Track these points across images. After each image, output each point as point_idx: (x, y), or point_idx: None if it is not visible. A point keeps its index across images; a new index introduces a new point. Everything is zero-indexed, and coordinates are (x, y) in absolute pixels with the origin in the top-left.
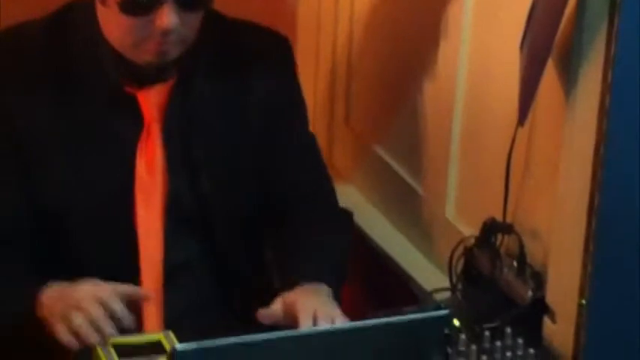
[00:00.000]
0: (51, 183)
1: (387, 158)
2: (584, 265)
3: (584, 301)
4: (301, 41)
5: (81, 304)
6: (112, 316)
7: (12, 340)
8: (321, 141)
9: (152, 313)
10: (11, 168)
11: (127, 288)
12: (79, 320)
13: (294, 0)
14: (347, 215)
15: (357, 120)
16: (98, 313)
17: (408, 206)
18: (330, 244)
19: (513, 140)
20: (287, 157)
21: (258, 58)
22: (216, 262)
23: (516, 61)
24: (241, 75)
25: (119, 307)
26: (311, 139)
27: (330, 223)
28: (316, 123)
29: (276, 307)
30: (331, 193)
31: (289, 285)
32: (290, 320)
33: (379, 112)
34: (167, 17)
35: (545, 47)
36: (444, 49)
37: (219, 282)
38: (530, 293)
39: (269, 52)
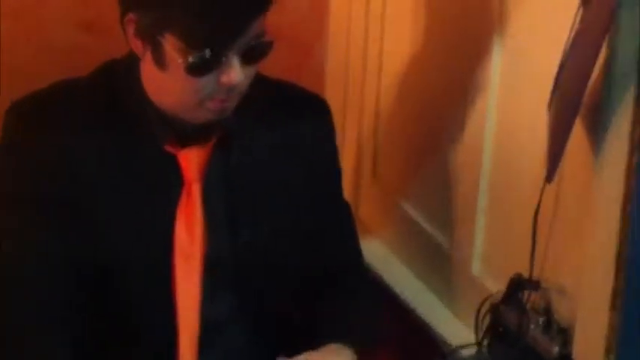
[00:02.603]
0: (92, 240)
1: (414, 214)
2: (611, 322)
3: (611, 358)
4: (329, 95)
5: None
6: None
7: None
8: (348, 195)
9: None
10: (53, 228)
11: None
12: None
13: (323, 55)
14: (374, 284)
15: (385, 175)
16: None
17: (435, 262)
18: (359, 309)
19: (541, 197)
20: (324, 221)
21: (299, 120)
22: (251, 322)
23: (544, 117)
24: (282, 135)
25: None
26: (346, 205)
27: (361, 290)
28: (343, 177)
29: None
30: (362, 261)
31: (315, 344)
32: None
33: (406, 168)
34: (234, 72)
35: (574, 105)
36: (472, 106)
37: (253, 342)
38: (556, 349)
39: (310, 115)
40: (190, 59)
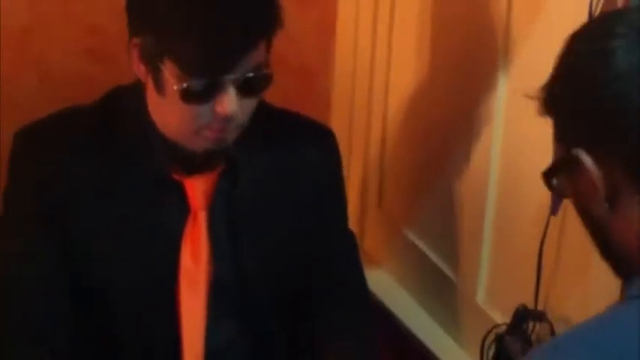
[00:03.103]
0: (94, 264)
1: (419, 243)
2: None
3: None
4: (335, 124)
5: None
6: None
7: None
8: (353, 225)
9: None
10: (51, 244)
11: None
12: None
13: (328, 83)
14: (374, 320)
15: (390, 204)
16: None
17: (439, 291)
18: (360, 344)
19: (546, 228)
20: (328, 249)
21: (305, 149)
22: (254, 348)
23: (549, 148)
24: (287, 165)
25: None
26: (351, 234)
27: (361, 321)
28: (349, 206)
29: None
30: (365, 289)
31: None
32: None
33: (412, 198)
34: (228, 104)
35: None
36: (477, 137)
37: None
38: None
39: (316, 144)
40: (185, 86)
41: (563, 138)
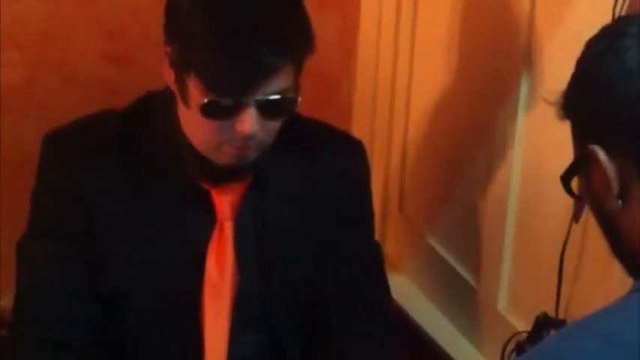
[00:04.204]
0: (117, 271)
1: (440, 249)
2: None
3: None
4: (356, 131)
5: None
6: None
7: None
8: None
9: None
10: (75, 249)
11: None
12: None
13: (350, 91)
14: (395, 333)
15: (411, 210)
16: None
17: (460, 298)
18: (379, 351)
19: (567, 235)
20: (352, 263)
21: (335, 162)
22: (275, 357)
23: (571, 153)
24: (316, 177)
25: None
26: (377, 248)
27: (380, 332)
28: None
29: None
30: (387, 306)
31: None
32: None
33: (433, 204)
34: (248, 123)
35: None
36: (499, 143)
37: None
38: None
39: (345, 157)
40: (206, 101)
41: (580, 138)
